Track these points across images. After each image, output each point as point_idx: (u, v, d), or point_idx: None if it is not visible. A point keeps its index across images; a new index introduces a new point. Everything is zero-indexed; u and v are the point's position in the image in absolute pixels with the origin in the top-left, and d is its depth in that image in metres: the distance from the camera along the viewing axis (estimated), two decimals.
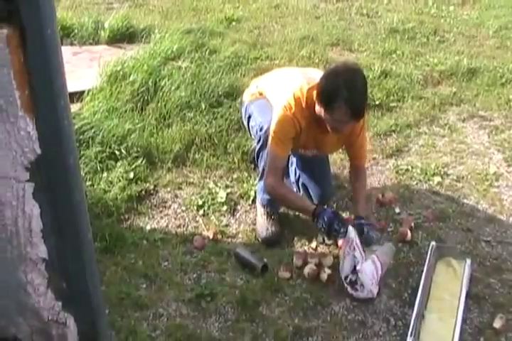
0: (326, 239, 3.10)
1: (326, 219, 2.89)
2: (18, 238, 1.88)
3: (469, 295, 2.80)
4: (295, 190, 3.45)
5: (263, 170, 3.13)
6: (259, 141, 3.11)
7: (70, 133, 1.69)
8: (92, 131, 3.76)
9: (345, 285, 2.81)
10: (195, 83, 4.45)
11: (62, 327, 2.05)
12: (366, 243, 2.89)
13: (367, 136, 3.38)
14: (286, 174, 3.45)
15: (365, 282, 2.77)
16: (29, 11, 1.46)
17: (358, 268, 2.76)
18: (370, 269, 2.79)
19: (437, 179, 3.70)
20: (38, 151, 1.66)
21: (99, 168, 3.54)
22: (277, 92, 3.09)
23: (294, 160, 3.42)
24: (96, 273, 2.02)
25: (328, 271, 2.89)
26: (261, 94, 3.23)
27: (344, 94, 2.73)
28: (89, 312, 2.04)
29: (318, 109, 2.87)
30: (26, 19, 1.46)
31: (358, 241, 2.80)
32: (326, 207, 3.08)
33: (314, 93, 2.90)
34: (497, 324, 2.68)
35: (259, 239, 3.16)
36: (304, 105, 2.94)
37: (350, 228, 2.82)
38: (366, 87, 2.84)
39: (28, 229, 1.85)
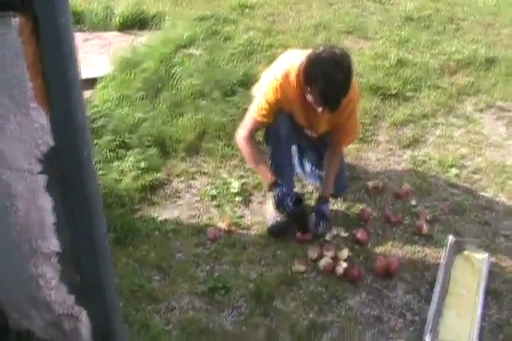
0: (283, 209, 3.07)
1: (281, 192, 3.00)
2: (30, 231, 1.85)
3: (488, 291, 2.74)
4: (310, 180, 3.40)
5: (270, 154, 3.12)
6: None
7: (84, 125, 1.65)
8: (103, 119, 3.71)
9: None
10: (208, 71, 4.40)
11: (75, 321, 2.02)
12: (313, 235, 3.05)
13: (357, 122, 3.31)
14: (301, 166, 3.40)
15: None
16: (42, 0, 1.40)
17: None
18: None
19: (454, 171, 3.63)
20: (51, 143, 1.63)
21: (110, 156, 3.48)
22: (271, 73, 3.05)
23: (307, 152, 3.37)
24: (110, 267, 1.99)
25: (343, 265, 2.84)
26: None
27: (320, 84, 2.72)
28: (103, 306, 2.01)
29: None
30: (39, 8, 1.41)
31: None
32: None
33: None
34: None
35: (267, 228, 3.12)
36: (292, 78, 2.90)
37: None
38: (347, 79, 2.76)
39: (40, 223, 1.82)
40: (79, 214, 1.79)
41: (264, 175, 3.12)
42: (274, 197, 3.02)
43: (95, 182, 1.80)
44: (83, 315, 2.02)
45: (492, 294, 2.76)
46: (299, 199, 3.07)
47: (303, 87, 2.85)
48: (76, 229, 1.82)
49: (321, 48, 2.81)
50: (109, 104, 3.98)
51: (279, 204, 3.02)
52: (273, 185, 3.04)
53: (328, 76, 2.70)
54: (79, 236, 1.83)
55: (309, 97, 2.84)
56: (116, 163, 3.45)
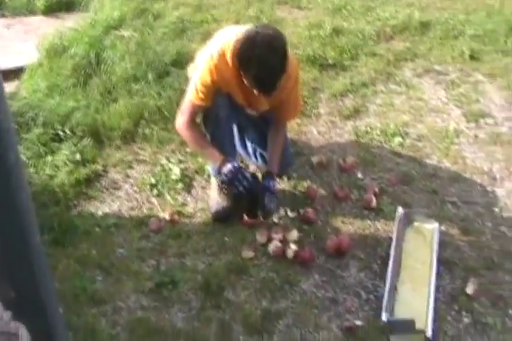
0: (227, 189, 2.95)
1: (235, 167, 2.83)
2: None
3: (440, 261, 2.71)
4: (253, 159, 3.29)
5: (210, 137, 2.99)
6: None
7: (8, 126, 1.50)
8: (33, 111, 3.53)
9: None
10: (139, 53, 4.21)
11: (14, 338, 1.90)
12: (263, 214, 2.91)
13: (299, 96, 3.23)
14: (243, 146, 3.29)
15: None
16: None
17: None
18: None
19: (398, 139, 3.58)
20: None
21: (42, 151, 3.31)
22: (206, 53, 2.91)
23: (248, 131, 3.26)
24: (47, 277, 1.86)
25: (293, 247, 2.77)
26: None
27: (254, 69, 2.62)
28: (43, 319, 1.89)
29: None
30: None
31: None
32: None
33: None
34: (469, 289, 2.62)
35: (210, 214, 3.01)
36: (228, 57, 2.76)
37: None
38: (282, 62, 2.64)
39: None
40: (9, 224, 1.66)
41: (212, 157, 2.95)
42: (228, 174, 2.83)
43: (25, 187, 1.67)
44: (23, 332, 1.90)
45: (445, 264, 2.74)
46: (254, 175, 2.97)
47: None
48: (7, 239, 1.69)
49: (255, 30, 2.68)
50: (38, 94, 3.79)
51: (235, 180, 2.83)
52: (224, 163, 2.86)
53: (261, 60, 2.58)
54: (11, 247, 1.71)
55: (245, 80, 2.73)
56: (49, 158, 3.28)
